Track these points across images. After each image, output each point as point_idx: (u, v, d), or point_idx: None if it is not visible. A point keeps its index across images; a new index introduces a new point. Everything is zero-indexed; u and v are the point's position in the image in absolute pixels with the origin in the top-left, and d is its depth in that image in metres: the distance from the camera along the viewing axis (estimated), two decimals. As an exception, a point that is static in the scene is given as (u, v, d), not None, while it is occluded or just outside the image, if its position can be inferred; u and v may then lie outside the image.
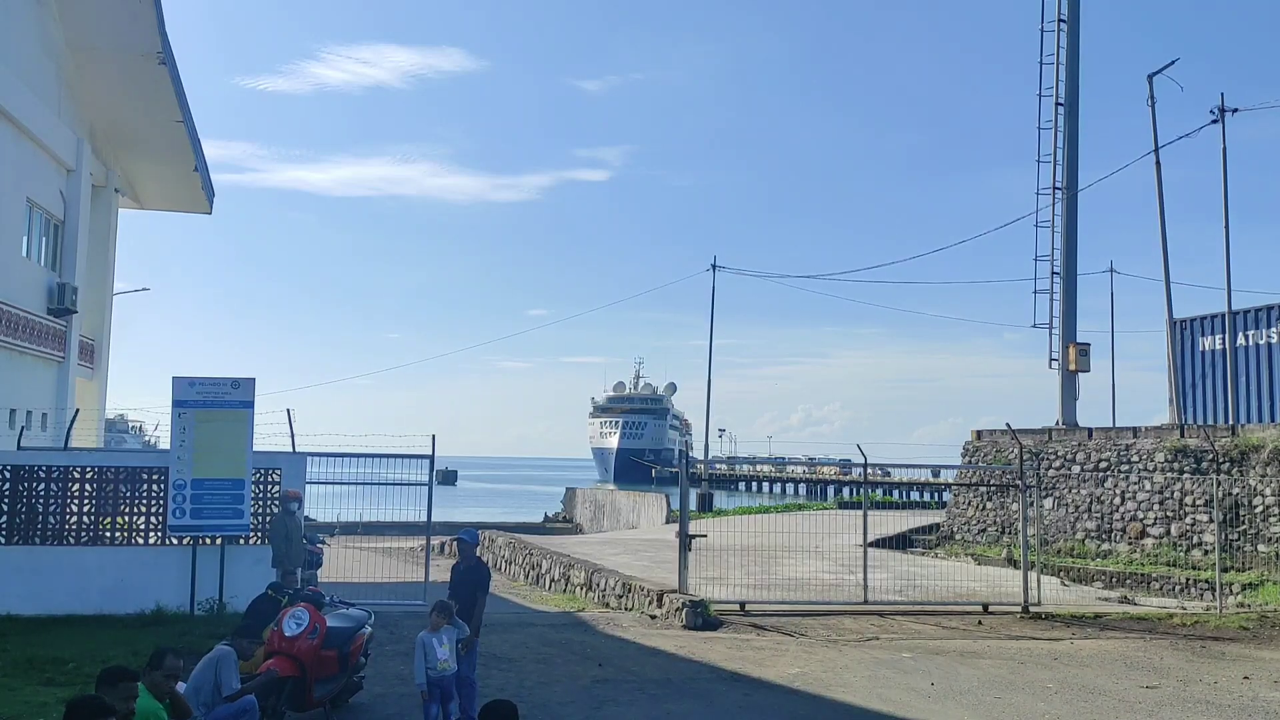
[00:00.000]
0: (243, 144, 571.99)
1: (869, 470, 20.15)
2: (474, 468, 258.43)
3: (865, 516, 19.85)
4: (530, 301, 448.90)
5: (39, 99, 26.05)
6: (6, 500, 16.23)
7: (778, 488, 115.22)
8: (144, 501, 16.77)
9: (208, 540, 16.22)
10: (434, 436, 17.82)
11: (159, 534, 16.49)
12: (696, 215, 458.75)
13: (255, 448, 16.93)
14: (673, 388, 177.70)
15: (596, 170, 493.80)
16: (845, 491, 78.15)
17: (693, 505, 40.64)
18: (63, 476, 16.51)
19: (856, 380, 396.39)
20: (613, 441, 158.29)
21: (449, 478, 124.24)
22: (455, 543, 13.73)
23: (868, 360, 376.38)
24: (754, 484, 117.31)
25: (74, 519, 16.40)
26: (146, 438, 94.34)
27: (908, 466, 20.84)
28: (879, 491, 59.96)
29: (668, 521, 36.70)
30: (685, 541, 17.04)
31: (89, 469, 16.58)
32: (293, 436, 17.56)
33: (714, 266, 48.04)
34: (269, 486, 17.07)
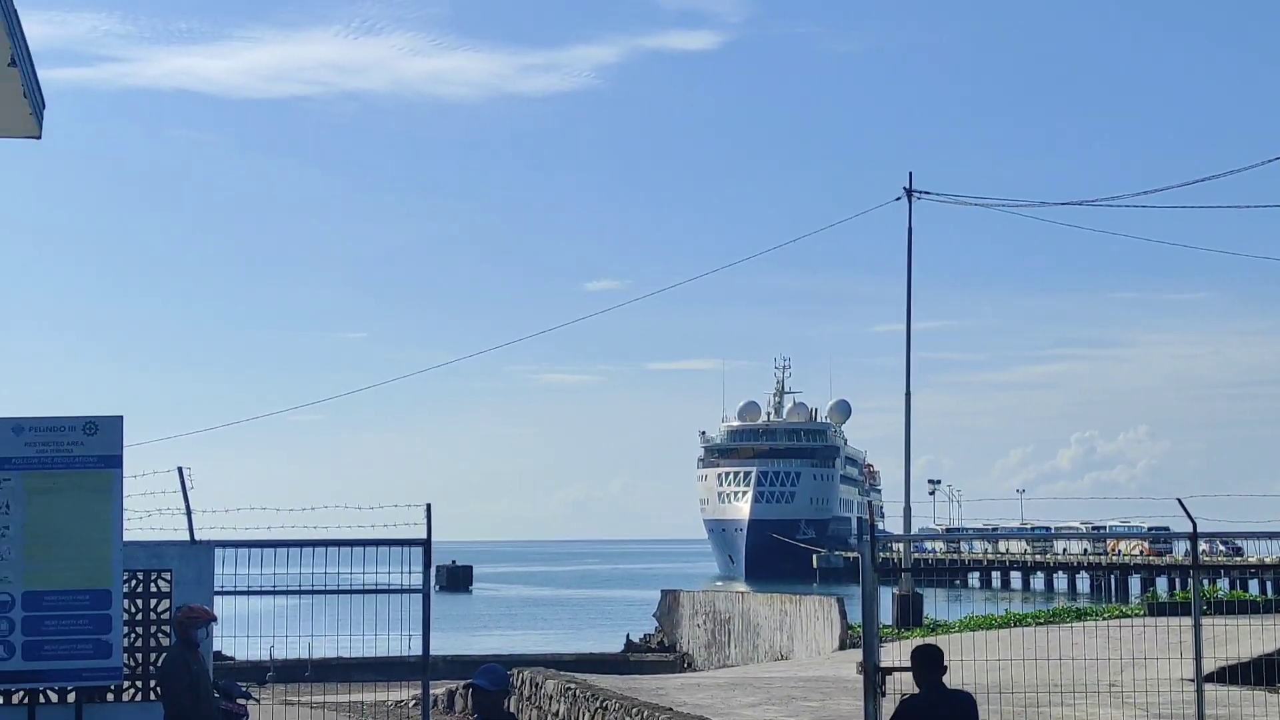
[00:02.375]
0: (91, 16, 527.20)
1: (1202, 545, 20.43)
2: (500, 559, 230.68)
3: (1198, 626, 19.65)
4: (589, 269, 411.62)
5: None
6: None
7: (1038, 580, 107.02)
8: None
9: (52, 696, 16.01)
10: (429, 507, 17.33)
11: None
12: (869, 105, 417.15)
13: (129, 535, 15.97)
14: (844, 410, 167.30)
15: (695, 33, 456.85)
16: (1160, 584, 74.87)
17: (886, 617, 40.38)
18: None
19: (1173, 386, 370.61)
20: (742, 508, 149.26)
21: (459, 579, 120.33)
22: (467, 691, 13.45)
23: (1192, 350, 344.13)
24: (994, 575, 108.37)
25: None
26: None
27: (1274, 536, 20.46)
28: (1222, 582, 54.44)
29: (843, 646, 34.45)
30: (876, 682, 16.83)
31: None
32: (189, 514, 16.61)
33: (908, 192, 47.75)
34: (154, 600, 16.36)
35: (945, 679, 11.89)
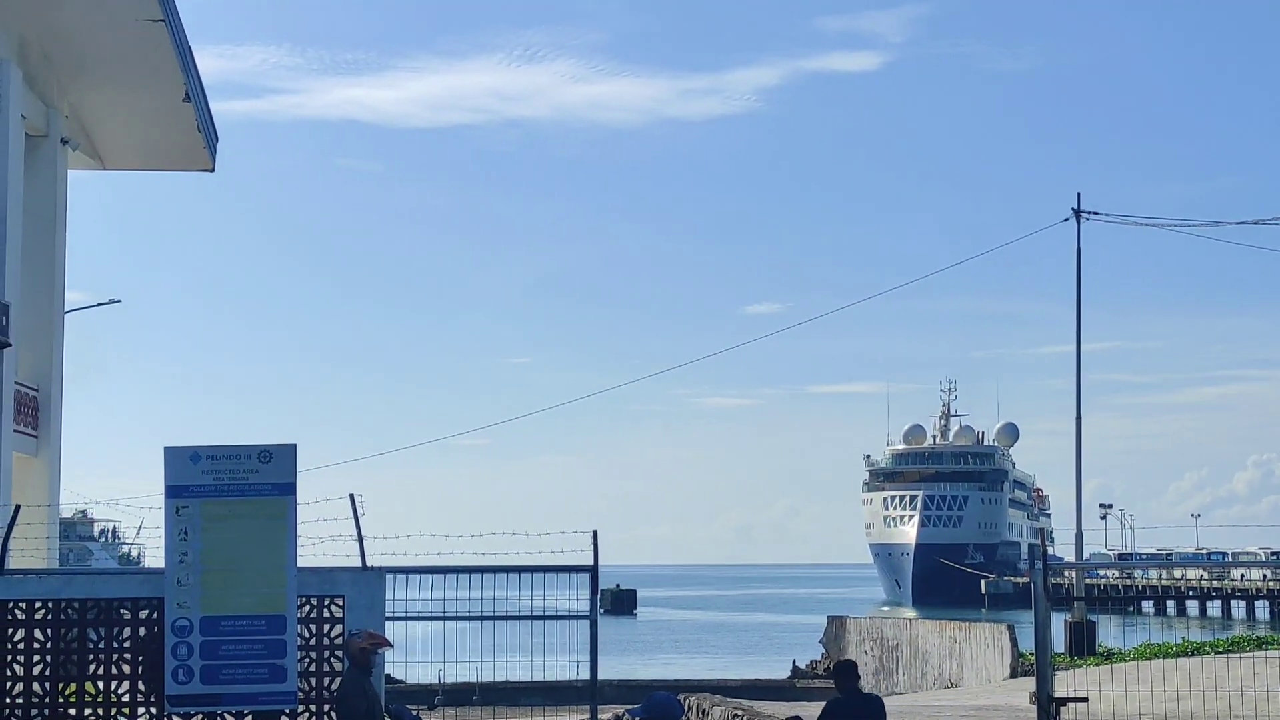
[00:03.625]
0: (261, 49, 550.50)
1: None
2: (665, 584, 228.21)
3: None
4: (750, 292, 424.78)
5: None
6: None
7: (1215, 607, 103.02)
8: (126, 657, 16.37)
9: (230, 719, 16.11)
10: (595, 534, 17.43)
11: (151, 709, 16.32)
12: (1035, 124, 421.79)
13: (302, 561, 16.15)
14: (1012, 433, 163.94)
15: (857, 54, 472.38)
16: None
17: (1059, 645, 39.97)
18: (-5, 619, 15.37)
19: None
20: (908, 532, 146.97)
21: (623, 602, 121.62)
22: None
23: None
24: (1170, 603, 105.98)
25: (14, 687, 16.27)
26: (124, 548, 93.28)
27: None
28: None
29: (1014, 674, 38.04)
30: (1050, 712, 16.63)
31: (38, 605, 16.34)
32: (361, 541, 16.73)
33: (1076, 212, 48.15)
34: (327, 626, 16.48)
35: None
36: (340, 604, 16.60)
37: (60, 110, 30.09)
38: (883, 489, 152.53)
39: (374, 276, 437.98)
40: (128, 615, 16.40)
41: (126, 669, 16.41)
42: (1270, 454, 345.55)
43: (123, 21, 26.17)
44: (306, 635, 16.48)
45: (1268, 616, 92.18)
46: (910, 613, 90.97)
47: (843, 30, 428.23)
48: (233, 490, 16.09)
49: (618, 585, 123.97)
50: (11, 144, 27.72)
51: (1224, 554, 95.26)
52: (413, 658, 19.57)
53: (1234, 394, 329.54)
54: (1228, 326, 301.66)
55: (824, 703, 14.89)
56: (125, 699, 16.34)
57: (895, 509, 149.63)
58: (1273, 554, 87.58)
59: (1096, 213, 50.16)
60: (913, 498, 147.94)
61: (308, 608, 16.54)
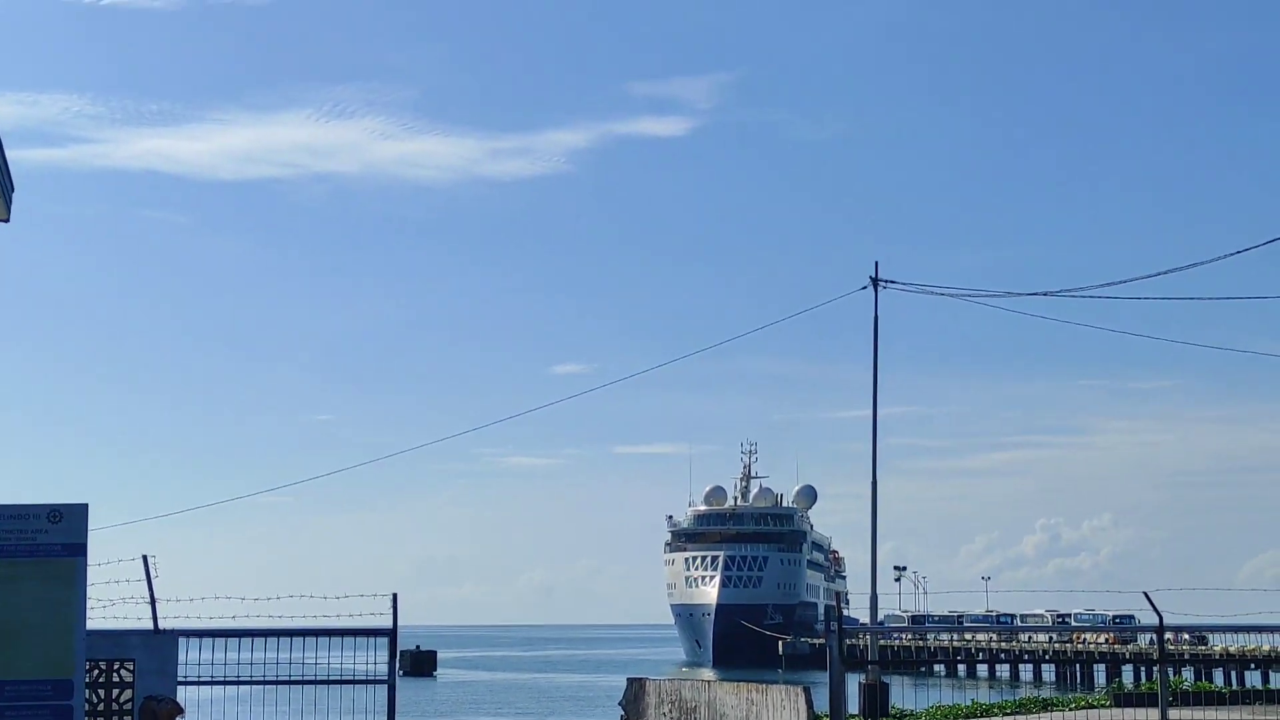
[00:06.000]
0: (62, 97, 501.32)
1: (1167, 636, 20.13)
2: (467, 645, 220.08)
3: (1164, 716, 19.90)
4: (556, 352, 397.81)
5: None
6: None
7: (1004, 669, 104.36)
8: None
9: (10, 791, 14.97)
10: (395, 597, 17.32)
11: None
12: (837, 192, 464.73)
13: (92, 624, 15.90)
14: (810, 495, 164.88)
15: (667, 118, 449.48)
16: (1127, 674, 72.26)
17: (853, 706, 40.27)
18: None
19: (1137, 474, 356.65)
20: (709, 592, 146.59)
21: (423, 664, 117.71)
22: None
23: (1156, 438, 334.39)
24: (961, 664, 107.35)
25: None
26: None
27: (1238, 630, 21.23)
28: (1186, 672, 64.26)
29: None
30: None
31: None
32: (154, 603, 16.61)
33: (874, 280, 49.40)
34: (117, 691, 16.29)
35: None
36: (131, 668, 16.29)
37: None
38: (685, 549, 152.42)
39: (176, 332, 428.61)
40: (-97, 682, 15.68)
41: (-98, 738, 15.68)
42: (1057, 518, 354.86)
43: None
44: (94, 700, 16.16)
45: (1053, 678, 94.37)
46: (710, 674, 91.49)
47: (652, 95, 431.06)
48: (20, 550, 15.64)
49: (418, 646, 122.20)
50: None
51: (1012, 616, 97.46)
52: (206, 722, 19.07)
53: (1024, 459, 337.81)
54: (1019, 393, 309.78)
55: None
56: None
57: (696, 569, 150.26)
58: (1059, 617, 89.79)
59: (894, 281, 51.26)
60: (714, 558, 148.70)
61: (96, 672, 16.22)
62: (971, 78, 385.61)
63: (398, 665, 17.33)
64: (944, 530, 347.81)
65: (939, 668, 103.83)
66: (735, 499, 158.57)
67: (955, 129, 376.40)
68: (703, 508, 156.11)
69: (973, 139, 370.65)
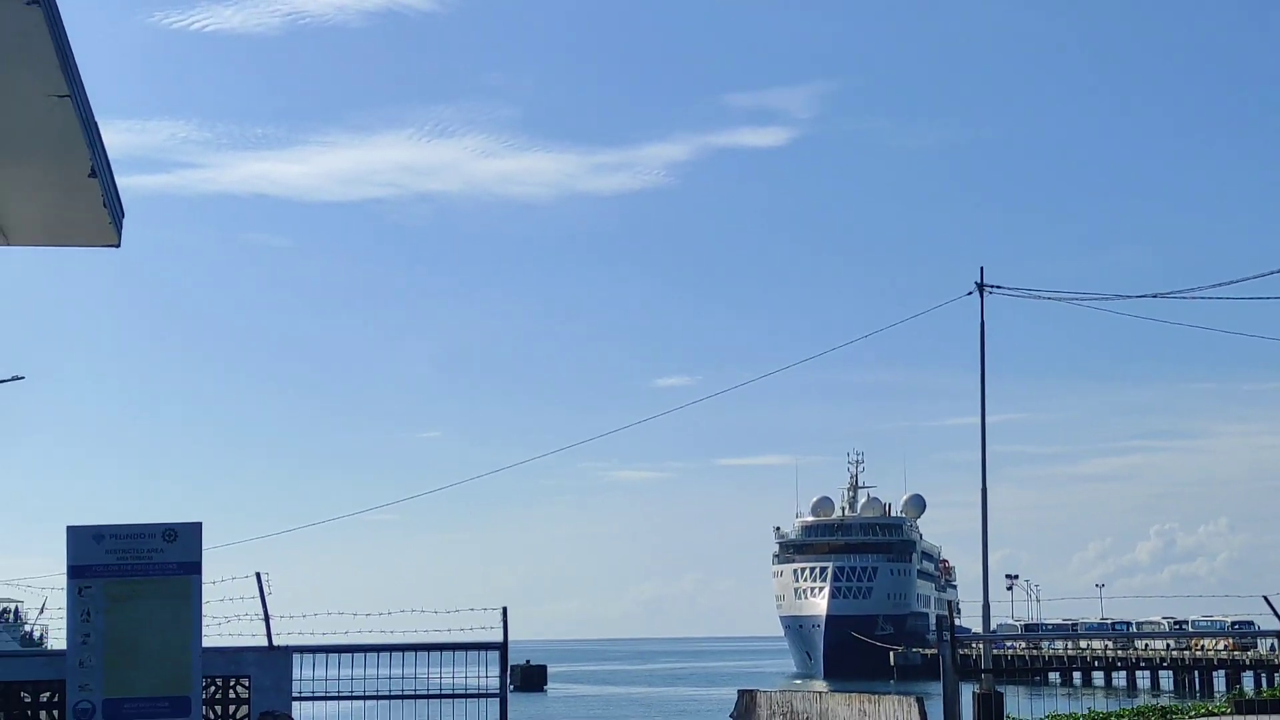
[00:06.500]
0: (168, 124, 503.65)
1: None
2: (575, 659, 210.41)
3: None
4: (659, 365, 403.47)
5: None
6: None
7: (1120, 677, 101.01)
8: None
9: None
10: (505, 611, 17.51)
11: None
12: (939, 199, 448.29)
13: (207, 641, 16.00)
14: (919, 504, 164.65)
15: (767, 129, 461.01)
16: (1247, 681, 73.87)
17: (967, 716, 40.13)
18: (-108, 702, 14.86)
19: (1252, 478, 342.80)
20: (819, 604, 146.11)
21: (533, 679, 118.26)
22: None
23: (1272, 440, 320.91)
24: (1076, 672, 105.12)
25: (-91, 774, 15.05)
26: (26, 627, 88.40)
27: None
28: None
29: None
30: None
31: None
32: (268, 620, 16.79)
33: (980, 286, 48.86)
34: (233, 707, 16.43)
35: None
36: (246, 684, 16.40)
37: (-44, 186, 29.66)
38: (793, 560, 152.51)
39: (283, 352, 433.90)
40: (28, 699, 16.03)
41: (26, 754, 15.98)
42: (1172, 523, 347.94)
43: (28, 96, 25.85)
44: (212, 716, 16.30)
45: (1171, 686, 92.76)
46: (821, 685, 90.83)
47: (751, 106, 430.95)
48: (136, 569, 15.79)
49: (527, 661, 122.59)
50: (-95, 224, 27.26)
51: (1127, 624, 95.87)
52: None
53: (1136, 464, 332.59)
54: (1129, 397, 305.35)
55: None
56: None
57: (805, 580, 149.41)
58: (1175, 623, 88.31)
59: (999, 286, 50.74)
60: (823, 569, 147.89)
61: (213, 688, 16.33)
62: (1070, 80, 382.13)
63: (509, 680, 17.37)
64: (1056, 538, 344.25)
65: (1054, 677, 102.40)
66: (843, 509, 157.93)
67: (1055, 132, 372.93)
68: (810, 519, 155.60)
69: (1073, 142, 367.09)
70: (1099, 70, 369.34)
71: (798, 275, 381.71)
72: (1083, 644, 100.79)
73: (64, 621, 16.01)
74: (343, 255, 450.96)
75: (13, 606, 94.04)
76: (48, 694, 16.16)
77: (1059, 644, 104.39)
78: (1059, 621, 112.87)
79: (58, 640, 16.96)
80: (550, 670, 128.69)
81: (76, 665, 15.60)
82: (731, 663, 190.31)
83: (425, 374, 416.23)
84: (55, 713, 15.88)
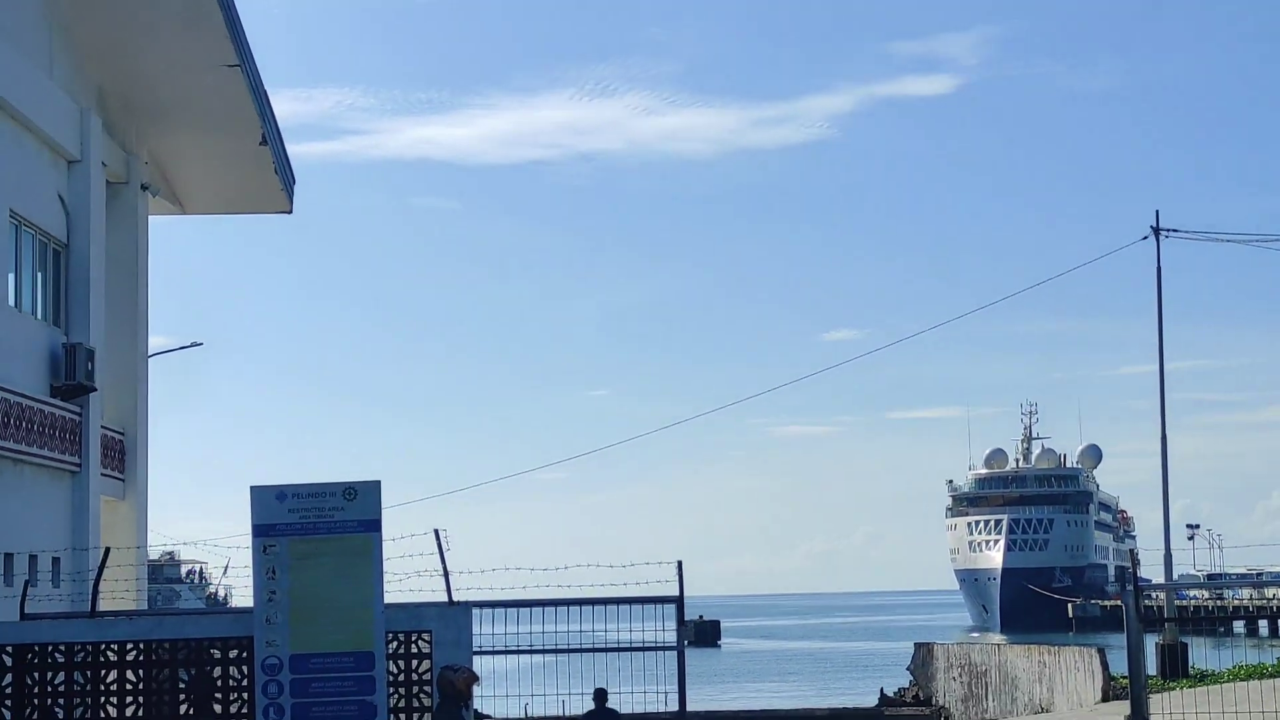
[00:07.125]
0: (335, 91, 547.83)
1: None
2: (746, 614, 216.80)
3: None
4: (827, 319, 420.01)
5: (18, 51, 24.41)
6: (6, 702, 16.32)
7: None
8: (217, 695, 16.60)
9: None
10: (680, 565, 17.70)
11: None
12: (1112, 143, 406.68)
13: (388, 598, 16.30)
14: (1095, 454, 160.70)
15: (930, 77, 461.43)
16: None
17: (1151, 668, 39.49)
18: (90, 659, 16.47)
19: None
20: (994, 557, 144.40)
21: (707, 634, 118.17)
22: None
23: None
24: (1262, 623, 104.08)
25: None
26: (211, 588, 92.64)
27: None
28: None
29: (1106, 698, 39.40)
30: None
31: (130, 646, 16.54)
32: (447, 576, 16.98)
33: (1155, 230, 47.97)
34: (415, 662, 16.61)
35: None
36: (427, 639, 16.63)
37: (140, 156, 30.27)
38: (966, 514, 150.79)
39: (453, 313, 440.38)
40: (218, 655, 16.46)
41: (218, 709, 16.36)
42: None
43: (200, 67, 26.30)
44: (394, 671, 16.52)
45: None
46: (998, 638, 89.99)
47: (915, 54, 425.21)
48: (319, 528, 16.18)
49: (701, 616, 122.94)
50: (93, 191, 27.96)
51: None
52: (500, 692, 19.53)
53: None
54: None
55: None
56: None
57: (980, 534, 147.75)
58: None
59: (1176, 230, 49.56)
60: (997, 522, 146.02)
61: (396, 643, 16.59)
62: (1245, 22, 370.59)
63: (685, 634, 17.47)
64: (1238, 486, 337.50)
65: (1239, 627, 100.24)
66: (1017, 461, 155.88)
67: (1231, 69, 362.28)
68: (983, 471, 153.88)
69: (1248, 83, 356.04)
70: (1270, 5, 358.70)
71: (966, 224, 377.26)
72: (1269, 593, 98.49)
73: (248, 582, 16.17)
74: (507, 217, 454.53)
75: (198, 567, 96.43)
76: (236, 650, 16.48)
77: (1244, 593, 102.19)
78: (1243, 571, 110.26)
79: (242, 599, 17.40)
80: (724, 626, 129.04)
81: (264, 622, 16.02)
82: (905, 617, 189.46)
83: (592, 333, 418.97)
84: (244, 668, 16.20)
